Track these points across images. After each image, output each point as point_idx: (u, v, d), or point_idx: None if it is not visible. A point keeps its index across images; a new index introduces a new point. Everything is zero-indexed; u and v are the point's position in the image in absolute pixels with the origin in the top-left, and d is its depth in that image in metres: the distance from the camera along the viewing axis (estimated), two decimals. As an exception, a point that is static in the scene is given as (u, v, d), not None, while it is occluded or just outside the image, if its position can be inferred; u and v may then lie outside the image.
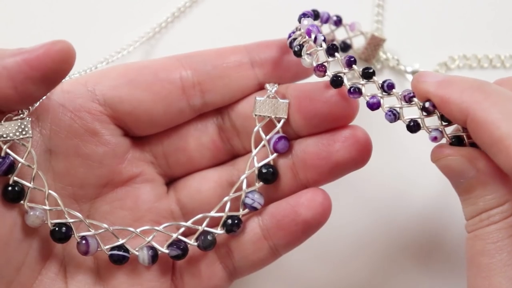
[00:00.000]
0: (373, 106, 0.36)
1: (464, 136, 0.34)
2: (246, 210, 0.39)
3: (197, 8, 0.47)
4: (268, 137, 0.39)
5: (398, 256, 0.45)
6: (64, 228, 0.36)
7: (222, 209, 0.38)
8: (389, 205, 0.45)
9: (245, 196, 0.38)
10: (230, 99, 0.39)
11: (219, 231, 0.38)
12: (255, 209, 0.38)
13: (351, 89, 0.36)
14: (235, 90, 0.39)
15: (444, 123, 0.34)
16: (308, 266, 0.45)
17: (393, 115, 0.35)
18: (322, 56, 0.37)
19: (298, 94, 0.38)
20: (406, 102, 0.35)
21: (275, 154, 0.39)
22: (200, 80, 0.39)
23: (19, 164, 0.35)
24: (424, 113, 0.35)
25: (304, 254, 0.43)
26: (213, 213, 0.38)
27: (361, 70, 0.36)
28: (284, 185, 0.39)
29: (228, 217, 0.38)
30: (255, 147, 0.39)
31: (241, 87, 0.39)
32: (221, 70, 0.39)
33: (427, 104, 0.34)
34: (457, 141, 0.35)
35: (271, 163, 0.39)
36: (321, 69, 0.37)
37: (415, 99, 0.35)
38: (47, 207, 0.36)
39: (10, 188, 0.35)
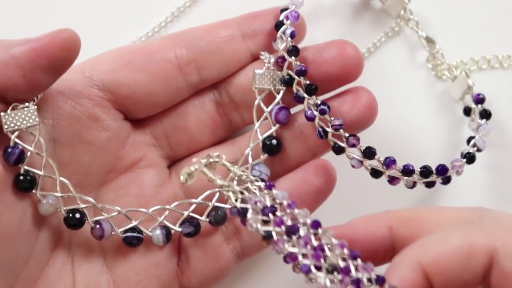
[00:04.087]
0: (309, 119, 0.38)
1: (382, 169, 0.38)
2: (254, 183, 0.39)
3: (197, 8, 0.47)
4: (269, 108, 0.39)
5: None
6: (77, 214, 0.37)
7: (230, 184, 0.39)
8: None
9: (252, 169, 0.39)
10: (226, 73, 0.40)
11: (228, 205, 0.39)
12: (262, 180, 0.39)
13: (296, 95, 0.39)
14: (230, 64, 0.40)
15: (365, 158, 0.38)
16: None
17: (320, 135, 0.38)
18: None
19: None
20: (333, 130, 0.38)
21: (277, 125, 0.39)
22: (195, 57, 0.39)
23: (28, 153, 0.35)
24: (349, 145, 0.38)
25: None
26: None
27: (306, 84, 0.38)
28: (291, 154, 0.40)
29: (237, 191, 0.39)
30: (257, 120, 0.39)
31: (235, 60, 0.40)
32: (214, 45, 0.39)
33: (350, 139, 0.37)
34: (374, 172, 0.38)
35: (274, 134, 0.39)
36: (280, 62, 0.39)
37: (341, 131, 0.38)
38: (59, 194, 0.36)
39: (22, 178, 0.35)
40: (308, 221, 0.33)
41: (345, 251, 0.33)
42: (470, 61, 0.47)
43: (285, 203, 0.34)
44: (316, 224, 0.34)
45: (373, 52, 0.47)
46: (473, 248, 0.32)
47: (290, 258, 0.33)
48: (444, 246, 0.33)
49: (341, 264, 0.32)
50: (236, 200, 0.34)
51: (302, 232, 0.33)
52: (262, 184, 0.35)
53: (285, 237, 0.33)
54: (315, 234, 0.33)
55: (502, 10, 0.47)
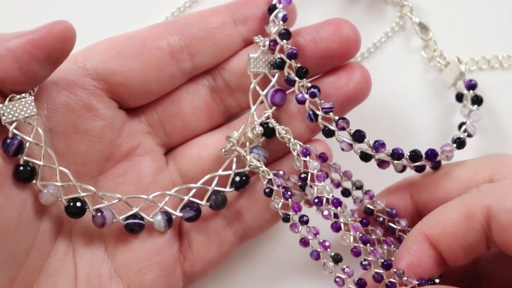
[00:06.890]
0: (300, 102, 0.39)
1: (372, 153, 0.38)
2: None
3: (197, 8, 0.47)
4: (264, 92, 0.40)
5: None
6: (78, 202, 0.37)
7: (228, 168, 0.39)
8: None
9: (251, 152, 0.39)
10: (218, 59, 0.41)
11: (228, 189, 0.39)
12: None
13: (287, 78, 0.39)
14: (222, 49, 0.40)
15: (355, 142, 0.38)
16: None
17: (310, 118, 0.38)
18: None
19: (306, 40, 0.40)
20: (323, 113, 0.38)
21: (273, 108, 0.40)
22: (187, 43, 0.40)
23: (27, 144, 0.35)
24: (338, 129, 0.38)
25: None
26: (220, 172, 0.39)
27: (297, 67, 0.38)
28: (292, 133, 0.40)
29: (236, 174, 0.39)
30: (253, 104, 0.40)
31: (227, 46, 0.40)
32: (206, 31, 0.40)
33: (340, 122, 0.38)
34: (364, 155, 0.38)
35: (271, 117, 0.40)
36: (272, 45, 0.39)
37: (331, 114, 0.38)
38: (59, 183, 0.36)
39: (22, 168, 0.35)
40: (331, 196, 0.37)
41: (358, 234, 0.37)
42: (470, 61, 0.47)
43: (315, 173, 0.38)
44: (337, 203, 0.37)
45: (367, 36, 0.47)
46: (470, 210, 0.35)
47: (303, 243, 0.37)
48: (444, 214, 0.36)
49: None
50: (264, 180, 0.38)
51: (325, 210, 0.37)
52: (299, 147, 0.38)
53: (300, 225, 0.38)
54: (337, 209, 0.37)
55: (502, 10, 0.48)
